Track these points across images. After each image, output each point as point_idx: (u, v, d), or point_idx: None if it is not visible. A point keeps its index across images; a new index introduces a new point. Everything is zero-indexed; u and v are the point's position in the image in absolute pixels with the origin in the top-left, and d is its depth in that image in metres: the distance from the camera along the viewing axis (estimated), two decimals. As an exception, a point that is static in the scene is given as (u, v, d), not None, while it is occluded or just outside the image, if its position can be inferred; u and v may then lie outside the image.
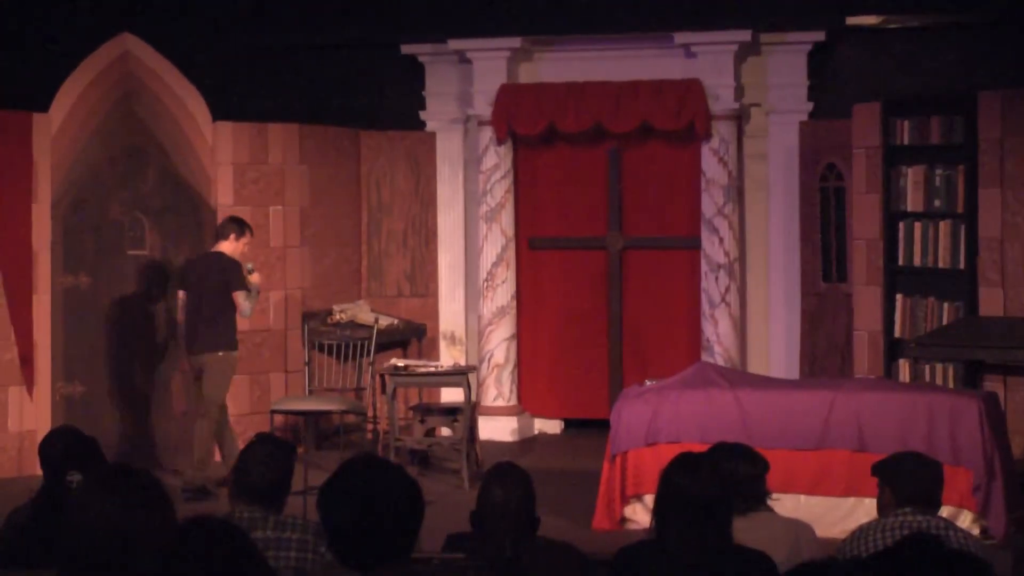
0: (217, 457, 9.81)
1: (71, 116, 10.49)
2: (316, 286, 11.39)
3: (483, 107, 11.66)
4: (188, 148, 10.79)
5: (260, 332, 10.85)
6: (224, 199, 10.84)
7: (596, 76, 11.49)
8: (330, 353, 10.98)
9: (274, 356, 11.02)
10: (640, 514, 8.17)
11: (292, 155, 11.24)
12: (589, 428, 11.54)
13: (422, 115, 12.15)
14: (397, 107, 12.10)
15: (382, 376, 10.33)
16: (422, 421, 10.25)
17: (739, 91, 11.41)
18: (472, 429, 10.01)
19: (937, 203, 10.04)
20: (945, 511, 6.40)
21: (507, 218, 11.76)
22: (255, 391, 10.82)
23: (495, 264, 11.72)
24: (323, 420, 10.94)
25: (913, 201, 10.16)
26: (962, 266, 9.81)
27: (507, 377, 11.75)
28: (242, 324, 9.98)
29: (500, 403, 11.72)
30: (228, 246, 9.63)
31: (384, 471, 3.43)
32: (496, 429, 11.51)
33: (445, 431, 10.28)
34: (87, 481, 3.45)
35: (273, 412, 10.05)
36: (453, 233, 12.08)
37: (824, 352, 11.11)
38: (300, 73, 12.10)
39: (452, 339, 12.04)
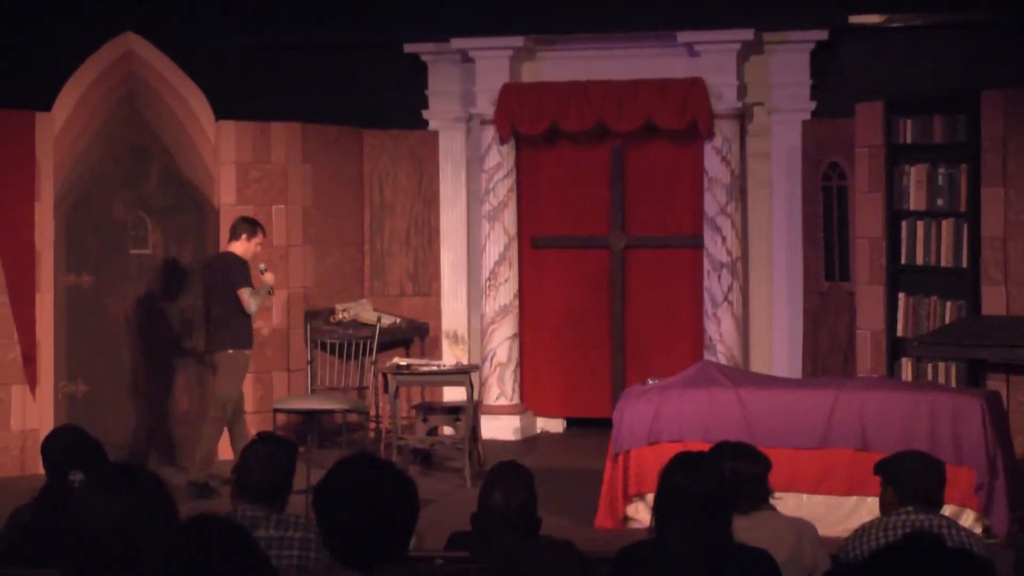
0: (226, 456, 9.81)
1: (74, 115, 10.50)
2: (319, 285, 11.39)
3: (486, 106, 11.67)
4: (191, 147, 10.80)
5: (262, 331, 10.85)
6: (227, 198, 10.84)
7: (599, 75, 11.49)
8: (333, 352, 10.99)
9: (277, 355, 11.02)
10: (642, 513, 8.17)
11: (295, 154, 11.24)
12: (591, 427, 11.54)
13: (425, 114, 12.16)
14: (400, 106, 12.10)
15: (384, 375, 10.33)
16: (424, 420, 10.25)
17: (742, 90, 11.41)
18: (474, 428, 10.01)
19: (940, 202, 10.04)
20: (947, 510, 6.39)
21: (510, 217, 11.76)
22: (258, 390, 10.83)
23: (497, 263, 11.72)
24: (325, 419, 10.94)
25: (916, 200, 10.16)
26: (965, 265, 9.80)
27: (509, 376, 11.76)
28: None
29: (502, 402, 11.73)
30: (240, 246, 9.66)
31: (379, 470, 3.43)
32: (498, 428, 11.51)
33: (447, 430, 10.28)
34: (89, 480, 3.45)
35: (276, 411, 10.06)
36: (456, 232, 12.09)
37: (827, 351, 11.11)
38: (303, 72, 12.11)
39: (454, 338, 12.05)
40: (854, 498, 7.95)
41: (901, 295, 10.24)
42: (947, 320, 9.87)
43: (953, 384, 9.59)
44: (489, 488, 4.79)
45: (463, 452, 9.91)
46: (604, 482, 8.42)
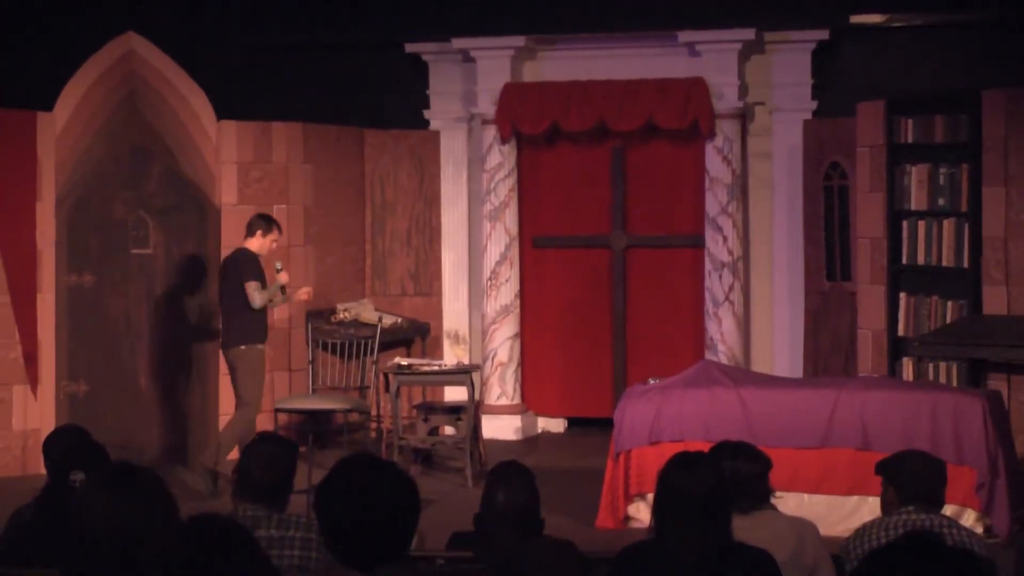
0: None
1: (75, 115, 10.50)
2: (320, 285, 11.39)
3: (487, 106, 11.67)
4: (192, 147, 10.80)
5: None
6: (228, 198, 10.85)
7: (600, 75, 11.49)
8: (334, 352, 10.99)
9: (278, 355, 11.02)
10: (643, 513, 8.17)
11: (296, 154, 11.24)
12: (592, 427, 11.54)
13: (426, 114, 12.16)
14: (401, 106, 12.10)
15: (386, 375, 10.33)
16: (426, 420, 10.25)
17: (743, 90, 11.41)
18: (476, 428, 10.01)
19: (941, 201, 10.04)
20: (949, 510, 6.40)
21: (511, 217, 11.76)
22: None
23: (499, 263, 11.72)
24: (327, 419, 10.94)
25: (917, 199, 10.16)
26: (966, 265, 9.80)
27: (510, 376, 11.76)
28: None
29: (504, 402, 11.73)
30: (255, 242, 9.71)
31: (380, 470, 3.43)
32: (500, 428, 11.51)
33: (449, 430, 10.28)
34: (90, 480, 3.45)
35: (277, 411, 10.05)
36: (457, 232, 12.09)
37: (828, 351, 11.11)
38: (304, 72, 12.11)
39: (456, 338, 12.05)
40: (855, 498, 7.95)
41: (902, 295, 10.24)
42: (948, 320, 9.87)
43: (954, 384, 9.59)
44: (492, 488, 4.79)
45: (464, 452, 9.91)
46: (605, 482, 8.42)
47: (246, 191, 10.93)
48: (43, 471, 5.36)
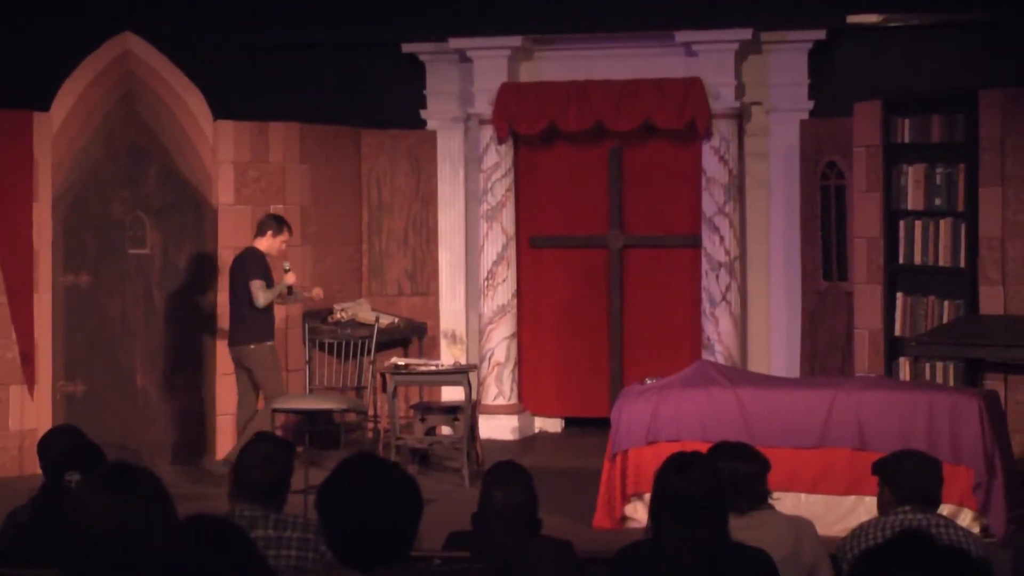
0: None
1: (72, 115, 10.50)
2: (317, 285, 11.38)
3: (484, 106, 11.67)
4: (189, 147, 10.80)
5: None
6: (225, 198, 10.84)
7: (597, 75, 11.49)
8: (331, 352, 10.98)
9: (275, 355, 11.02)
10: (640, 513, 8.17)
11: (293, 154, 11.24)
12: (590, 427, 11.54)
13: (423, 114, 12.16)
14: (398, 106, 12.10)
15: (383, 375, 10.34)
16: (423, 420, 10.25)
17: (740, 90, 11.41)
18: (473, 428, 10.01)
19: (938, 201, 10.04)
20: (945, 509, 6.40)
21: (508, 217, 11.76)
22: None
23: (496, 263, 11.72)
24: (324, 419, 10.93)
25: (914, 199, 10.16)
26: (963, 264, 9.81)
27: (508, 376, 11.76)
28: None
29: (501, 402, 11.73)
30: (264, 242, 9.80)
31: (383, 470, 3.43)
32: (497, 428, 11.51)
33: (446, 430, 10.28)
34: (86, 480, 3.45)
35: (274, 411, 10.05)
36: (454, 232, 12.09)
37: (825, 350, 11.11)
38: (301, 72, 12.10)
39: (453, 338, 12.05)
40: (852, 497, 7.95)
41: (899, 295, 10.25)
42: (945, 320, 9.87)
43: (951, 384, 9.60)
44: (490, 488, 4.79)
45: (461, 452, 9.91)
46: (602, 482, 8.42)
47: (243, 191, 10.92)
48: (40, 471, 5.36)
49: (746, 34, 11.26)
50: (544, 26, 11.56)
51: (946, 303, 9.96)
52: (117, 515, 3.17)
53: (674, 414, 8.29)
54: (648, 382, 8.64)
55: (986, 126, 9.60)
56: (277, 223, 9.86)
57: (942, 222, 9.99)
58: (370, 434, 11.08)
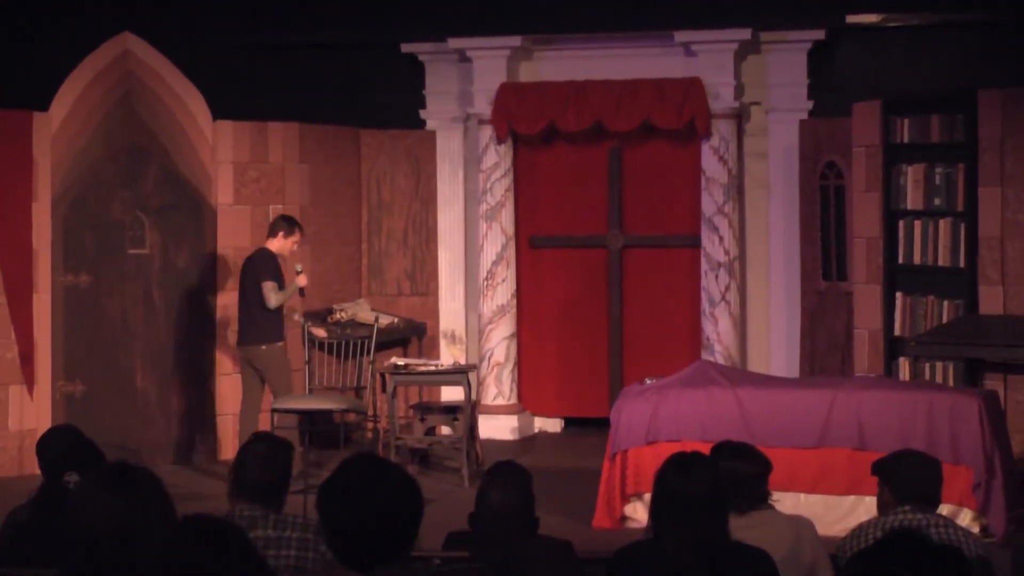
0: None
1: (71, 115, 10.49)
2: (316, 285, 11.38)
3: (483, 106, 11.67)
4: (188, 147, 10.80)
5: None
6: (224, 198, 10.84)
7: (596, 75, 11.49)
8: (330, 352, 10.98)
9: (274, 355, 11.02)
10: (640, 512, 8.17)
11: (292, 154, 11.24)
12: (589, 427, 11.54)
13: (422, 114, 12.15)
14: (397, 106, 12.09)
15: (382, 375, 10.33)
16: (422, 420, 10.25)
17: (739, 90, 11.41)
18: (472, 428, 10.01)
19: (937, 201, 10.04)
20: (945, 509, 6.40)
21: (507, 217, 11.76)
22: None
23: (495, 263, 11.72)
24: (324, 419, 10.93)
25: (913, 199, 10.16)
26: (962, 264, 9.81)
27: (507, 376, 11.76)
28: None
29: (500, 402, 11.73)
30: (276, 243, 9.88)
31: (383, 471, 3.43)
32: (496, 428, 11.51)
33: (445, 430, 10.28)
34: (87, 480, 3.45)
35: (274, 411, 10.04)
36: (453, 232, 12.09)
37: (824, 350, 11.12)
38: (300, 72, 12.10)
39: (452, 338, 12.05)
40: (852, 497, 7.95)
41: (898, 294, 10.25)
42: (944, 319, 9.87)
43: (951, 384, 9.59)
44: (486, 488, 4.79)
45: (461, 452, 9.91)
46: (602, 482, 8.42)
47: (242, 191, 10.93)
48: (39, 471, 5.35)
49: (745, 34, 11.25)
50: (544, 26, 11.56)
51: (946, 303, 9.96)
52: (117, 515, 3.17)
53: (674, 414, 8.29)
54: (648, 382, 8.64)
55: (985, 126, 9.60)
56: (289, 224, 9.91)
57: (941, 222, 9.99)
58: (370, 434, 11.08)
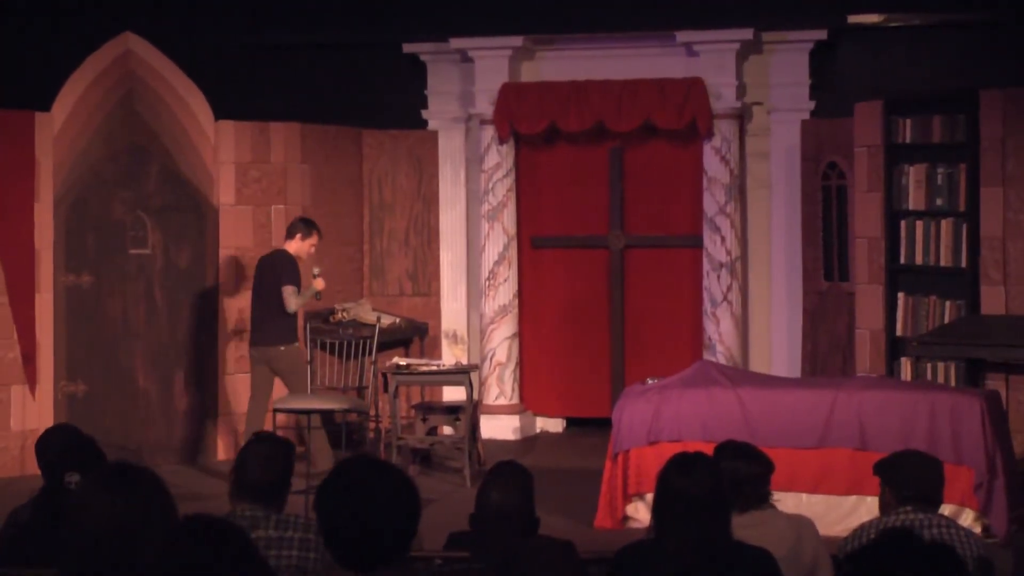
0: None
1: (73, 115, 10.50)
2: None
3: (485, 106, 11.67)
4: (190, 147, 10.80)
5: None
6: (226, 198, 10.85)
7: (598, 75, 11.49)
8: (332, 352, 10.98)
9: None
10: (642, 513, 8.17)
11: (294, 154, 11.24)
12: (591, 427, 11.54)
13: (424, 114, 12.16)
14: (399, 106, 12.10)
15: (384, 375, 10.33)
16: (424, 420, 10.25)
17: (741, 90, 11.41)
18: (474, 428, 10.01)
19: (939, 201, 10.04)
20: (947, 510, 6.40)
21: (509, 217, 11.76)
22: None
23: (497, 263, 11.72)
24: (325, 419, 10.93)
25: (915, 199, 10.16)
26: (964, 265, 9.81)
27: (509, 376, 11.76)
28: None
29: (502, 402, 11.73)
30: (293, 245, 9.91)
31: (381, 472, 3.43)
32: (498, 428, 11.51)
33: (447, 430, 10.28)
34: (88, 480, 3.45)
35: (276, 411, 10.05)
36: (455, 232, 12.09)
37: (826, 351, 11.11)
38: (302, 72, 12.10)
39: (454, 338, 12.05)
40: (853, 498, 7.95)
41: (900, 295, 10.24)
42: (946, 320, 9.87)
43: (952, 384, 9.59)
44: (486, 488, 4.79)
45: (463, 452, 9.91)
46: (603, 482, 8.42)
47: (244, 191, 10.93)
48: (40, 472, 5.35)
49: (747, 34, 11.25)
50: (545, 26, 11.56)
51: (947, 303, 9.96)
52: (118, 515, 3.17)
53: (675, 414, 8.29)
54: (649, 382, 8.64)
55: (987, 126, 9.60)
56: (307, 226, 9.95)
57: (943, 222, 9.99)
58: (371, 434, 11.08)
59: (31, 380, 10.32)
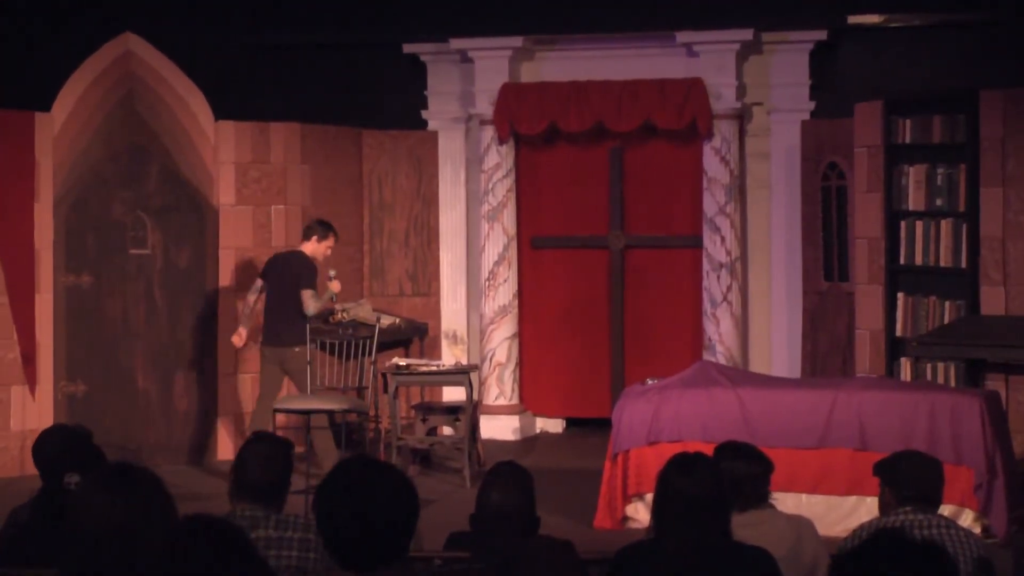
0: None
1: (73, 116, 10.50)
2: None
3: (485, 106, 11.67)
4: (190, 147, 10.80)
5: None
6: (226, 198, 10.85)
7: (598, 75, 11.49)
8: (332, 352, 10.98)
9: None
10: (642, 513, 8.17)
11: (294, 154, 11.24)
12: (591, 427, 11.54)
13: (424, 114, 12.16)
14: (399, 106, 12.10)
15: (384, 375, 10.34)
16: (424, 420, 10.25)
17: (741, 90, 11.41)
18: (474, 428, 10.01)
19: (939, 202, 10.04)
20: (947, 510, 6.40)
21: (509, 217, 11.76)
22: (257, 390, 10.80)
23: (497, 263, 11.73)
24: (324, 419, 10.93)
25: (915, 200, 10.16)
26: (964, 265, 9.81)
27: (509, 376, 11.76)
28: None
29: (502, 402, 11.73)
30: (310, 247, 9.94)
31: (380, 472, 3.43)
32: (498, 428, 11.51)
33: (447, 430, 10.28)
34: (87, 480, 3.45)
35: (275, 411, 10.05)
36: (455, 232, 12.09)
37: (826, 351, 11.11)
38: (302, 72, 12.10)
39: (454, 338, 12.05)
40: (853, 498, 7.95)
41: (900, 295, 10.24)
42: (946, 320, 9.87)
43: (952, 384, 9.59)
44: (486, 489, 4.79)
45: (462, 452, 9.91)
46: (603, 482, 8.42)
47: (244, 191, 10.93)
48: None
49: (747, 34, 11.26)
50: (545, 26, 11.56)
51: (947, 303, 9.96)
52: (117, 515, 3.17)
53: (675, 414, 8.29)
54: (649, 382, 8.64)
55: (987, 126, 9.60)
56: (324, 228, 9.96)
57: (943, 222, 9.99)
58: (371, 434, 11.07)
59: (31, 380, 10.32)
